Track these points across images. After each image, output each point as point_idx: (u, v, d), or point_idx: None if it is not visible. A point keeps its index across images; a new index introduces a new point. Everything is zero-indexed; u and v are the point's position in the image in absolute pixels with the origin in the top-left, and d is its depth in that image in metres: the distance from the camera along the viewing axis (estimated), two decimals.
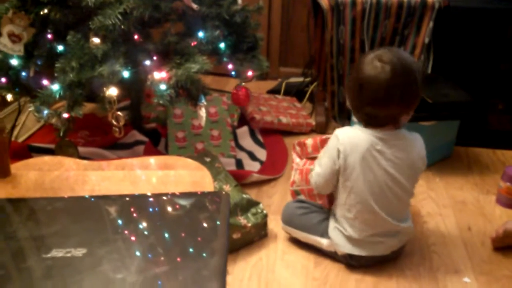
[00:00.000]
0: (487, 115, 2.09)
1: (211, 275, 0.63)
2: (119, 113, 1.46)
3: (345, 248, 1.35)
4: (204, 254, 0.67)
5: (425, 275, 1.36)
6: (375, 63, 1.24)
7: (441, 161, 1.92)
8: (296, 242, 1.48)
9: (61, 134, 1.56)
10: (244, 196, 1.47)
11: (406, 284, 1.33)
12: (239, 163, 1.87)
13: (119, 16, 1.36)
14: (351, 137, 1.29)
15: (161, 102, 1.40)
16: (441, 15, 1.97)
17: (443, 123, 1.81)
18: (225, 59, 1.62)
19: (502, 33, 1.95)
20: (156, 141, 1.95)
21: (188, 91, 1.49)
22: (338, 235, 1.36)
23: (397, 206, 1.33)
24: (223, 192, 0.80)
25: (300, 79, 2.47)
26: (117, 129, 1.48)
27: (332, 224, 1.38)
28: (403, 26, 2.04)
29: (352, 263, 1.37)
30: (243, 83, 1.76)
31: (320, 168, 1.35)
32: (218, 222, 0.74)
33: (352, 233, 1.33)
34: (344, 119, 2.19)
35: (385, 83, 1.22)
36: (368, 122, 1.30)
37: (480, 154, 2.00)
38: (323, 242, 1.40)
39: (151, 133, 1.97)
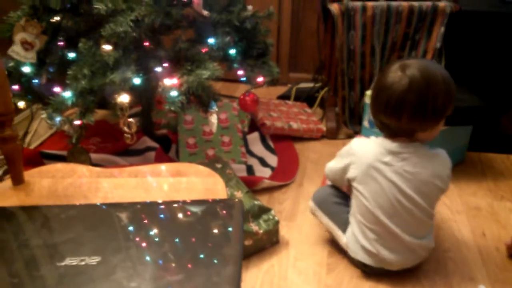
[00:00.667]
0: (500, 120, 2.07)
1: (226, 283, 0.63)
2: (130, 119, 1.46)
3: (358, 255, 1.34)
4: (218, 262, 0.67)
5: (440, 282, 1.34)
6: (397, 71, 1.22)
7: (454, 166, 1.89)
8: (308, 249, 1.47)
9: (74, 140, 1.56)
10: (256, 202, 1.47)
11: None
12: (250, 169, 1.86)
13: (131, 24, 1.37)
14: (362, 149, 1.30)
15: (172, 108, 1.40)
16: (453, 19, 1.96)
17: (456, 128, 1.79)
18: (235, 65, 1.63)
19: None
20: (167, 147, 1.95)
21: (199, 98, 1.49)
22: (353, 241, 1.35)
23: (413, 223, 1.28)
24: (236, 199, 0.80)
25: (311, 84, 2.47)
26: (128, 136, 1.49)
27: (350, 227, 1.38)
28: (414, 31, 2.03)
29: (366, 270, 1.36)
30: (253, 89, 1.76)
31: (333, 163, 1.41)
32: (231, 229, 0.74)
33: (365, 243, 1.32)
34: (355, 124, 2.18)
35: (398, 94, 1.20)
36: (382, 129, 1.30)
37: (494, 159, 1.98)
38: (343, 239, 1.39)
39: (162, 140, 1.97)
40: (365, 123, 2.04)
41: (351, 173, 1.32)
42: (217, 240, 0.72)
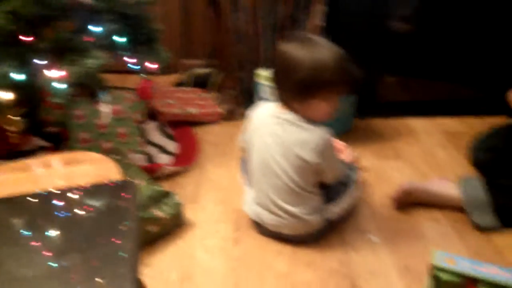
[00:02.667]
0: (378, 88, 2.27)
1: (124, 258, 0.64)
2: (15, 118, 1.39)
3: (249, 212, 1.47)
4: (115, 240, 0.68)
5: (334, 237, 1.46)
6: (283, 43, 1.31)
7: (344, 134, 2.03)
8: (214, 226, 1.51)
9: None
10: (157, 188, 1.47)
11: (320, 248, 1.41)
12: (150, 158, 1.85)
13: (6, 16, 1.29)
14: (257, 110, 1.44)
15: (59, 101, 1.35)
16: None
17: (341, 98, 1.91)
18: (123, 53, 1.60)
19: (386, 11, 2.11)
20: (58, 144, 1.87)
21: (87, 88, 1.45)
22: (247, 199, 1.49)
23: (284, 189, 1.35)
24: (129, 180, 0.81)
25: (205, 69, 2.49)
26: (13, 135, 1.41)
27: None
28: (298, 11, 2.12)
29: (260, 231, 1.46)
30: (147, 77, 1.75)
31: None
32: (126, 208, 0.75)
33: (251, 201, 1.46)
34: (251, 105, 2.24)
35: (276, 62, 1.31)
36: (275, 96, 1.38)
37: (377, 124, 2.16)
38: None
39: (53, 138, 1.88)
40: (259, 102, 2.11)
41: (246, 135, 1.44)
42: (113, 219, 0.73)
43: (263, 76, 2.04)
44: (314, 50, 1.25)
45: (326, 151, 1.33)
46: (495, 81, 2.15)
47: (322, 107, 1.31)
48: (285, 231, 1.41)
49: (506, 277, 1.12)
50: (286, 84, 1.29)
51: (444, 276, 1.17)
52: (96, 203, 0.77)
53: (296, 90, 1.27)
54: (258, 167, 1.40)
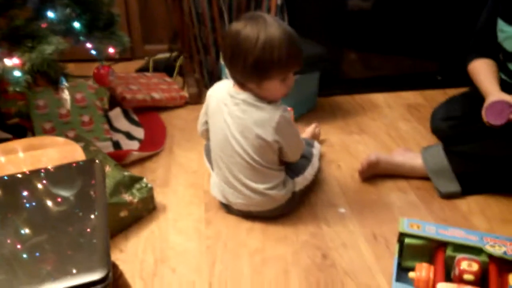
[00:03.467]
0: (341, 65, 2.30)
1: (94, 234, 0.64)
2: None
3: (213, 192, 1.48)
4: (83, 216, 0.67)
5: (305, 212, 1.48)
6: (235, 23, 1.28)
7: (308, 112, 2.07)
8: (186, 209, 1.51)
9: None
10: (126, 173, 1.46)
11: (292, 223, 1.44)
12: (116, 145, 1.83)
13: None
14: (215, 89, 1.42)
15: (18, 89, 1.31)
16: None
17: (304, 77, 1.94)
18: (82, 38, 1.56)
19: None
20: (22, 136, 1.82)
21: (46, 75, 1.42)
22: (212, 180, 1.50)
23: (246, 167, 1.36)
24: (95, 159, 0.80)
25: (167, 54, 2.46)
26: None
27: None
28: None
29: (226, 210, 1.49)
30: (105, 63, 1.71)
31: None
32: (93, 186, 0.74)
33: (215, 180, 1.47)
34: None
35: (227, 43, 1.28)
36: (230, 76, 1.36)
37: (341, 101, 2.19)
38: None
39: (15, 129, 1.83)
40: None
41: (206, 115, 1.44)
42: (80, 200, 0.72)
43: None
44: (264, 29, 1.21)
45: (284, 129, 1.32)
46: (452, 54, 2.22)
47: (277, 86, 1.29)
48: (253, 208, 1.42)
49: (471, 239, 1.17)
50: (239, 65, 1.25)
51: (411, 241, 1.22)
52: (62, 185, 0.76)
53: (250, 71, 1.24)
54: (219, 146, 1.40)
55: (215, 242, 1.38)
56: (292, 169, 1.46)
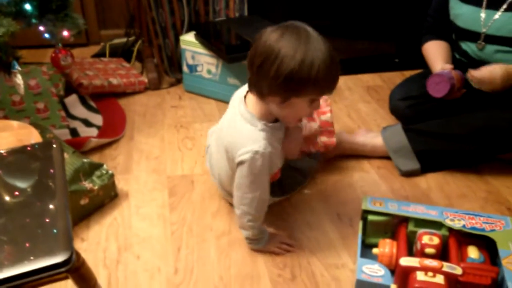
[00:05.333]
0: None
1: (56, 213, 0.62)
2: None
3: None
4: (45, 196, 0.65)
5: None
6: (268, 31, 1.09)
7: None
8: (149, 195, 1.49)
9: None
10: (85, 160, 1.41)
11: None
12: (74, 132, 1.77)
13: None
14: (236, 93, 1.29)
15: None
16: None
17: None
18: (34, 21, 1.50)
19: None
20: None
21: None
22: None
23: (219, 170, 1.33)
24: (52, 141, 0.76)
25: (124, 39, 2.40)
26: None
27: None
28: None
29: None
30: (61, 47, 1.65)
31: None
32: (52, 168, 0.71)
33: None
34: (176, 72, 2.20)
35: (258, 49, 1.08)
36: None
37: None
38: None
39: None
40: (185, 69, 2.07)
41: None
42: (39, 181, 0.69)
43: (187, 41, 2.00)
44: (306, 42, 1.05)
45: (242, 170, 1.17)
46: (409, 36, 2.27)
47: (303, 106, 1.12)
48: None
49: (431, 214, 1.21)
50: (268, 75, 1.06)
51: (373, 218, 1.24)
52: (17, 168, 0.73)
53: (280, 83, 1.05)
54: (216, 133, 1.35)
55: (180, 227, 1.36)
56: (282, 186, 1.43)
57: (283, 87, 1.06)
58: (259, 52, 1.07)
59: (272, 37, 1.05)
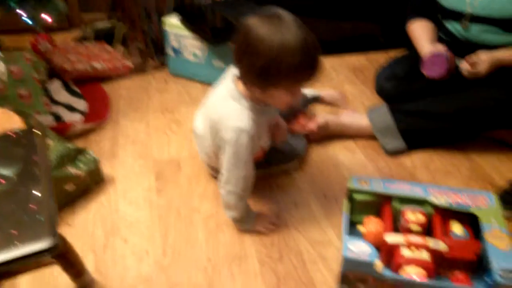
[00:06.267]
0: None
1: (41, 200, 0.61)
2: None
3: None
4: (29, 183, 0.64)
5: (259, 179, 1.48)
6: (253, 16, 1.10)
7: None
8: (135, 179, 1.48)
9: None
10: (70, 146, 1.40)
11: None
12: (57, 118, 1.75)
13: None
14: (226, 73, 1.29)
15: None
16: None
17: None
18: (13, 5, 1.47)
19: None
20: None
21: None
22: None
23: (206, 147, 1.34)
24: (33, 127, 0.76)
25: (107, 23, 2.36)
26: None
27: None
28: None
29: None
30: (42, 32, 1.63)
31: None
32: (35, 154, 0.70)
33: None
34: (160, 55, 2.17)
35: (239, 37, 1.10)
36: None
37: None
38: None
39: None
40: (170, 52, 2.05)
41: None
42: (25, 165, 0.69)
43: (171, 24, 1.97)
44: (279, 31, 1.03)
45: (234, 145, 1.18)
46: (393, 16, 2.26)
47: (282, 96, 1.13)
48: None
49: (416, 191, 1.22)
50: (245, 65, 1.09)
51: (359, 197, 1.25)
52: (1, 155, 0.72)
53: (256, 75, 1.07)
54: (205, 105, 1.34)
55: (167, 211, 1.37)
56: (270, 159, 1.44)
57: (259, 79, 1.08)
58: (239, 41, 1.09)
59: (249, 26, 1.06)
